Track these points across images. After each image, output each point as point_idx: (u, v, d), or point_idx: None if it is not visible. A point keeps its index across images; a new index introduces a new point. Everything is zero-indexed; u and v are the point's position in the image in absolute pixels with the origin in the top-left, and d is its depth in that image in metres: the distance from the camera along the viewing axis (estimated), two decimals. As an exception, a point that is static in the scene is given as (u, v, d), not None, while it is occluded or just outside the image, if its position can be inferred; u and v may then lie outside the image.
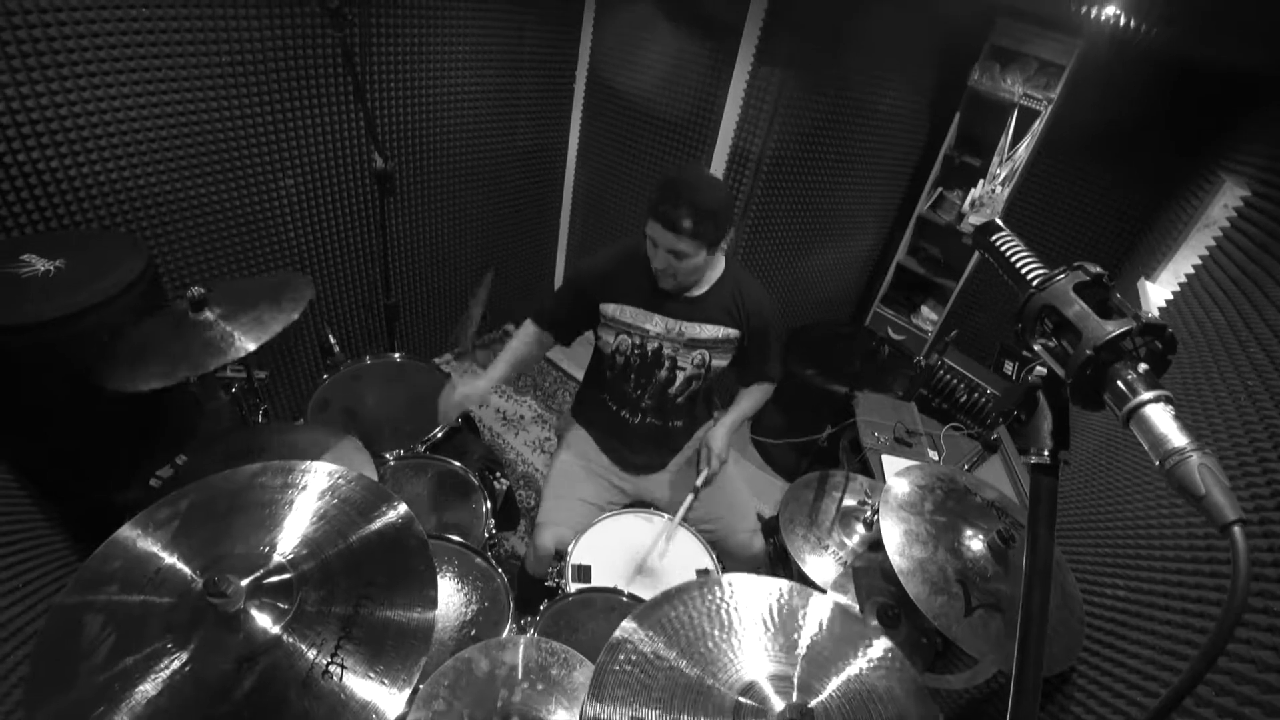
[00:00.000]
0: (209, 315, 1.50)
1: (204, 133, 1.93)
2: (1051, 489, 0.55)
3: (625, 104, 2.97)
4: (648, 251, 1.62)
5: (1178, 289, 1.80)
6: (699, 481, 1.77)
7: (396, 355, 2.11)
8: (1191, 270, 1.75)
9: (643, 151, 3.01)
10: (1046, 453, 0.56)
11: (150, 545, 0.96)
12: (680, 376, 1.77)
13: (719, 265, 1.73)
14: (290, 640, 0.89)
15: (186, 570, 0.94)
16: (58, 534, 1.59)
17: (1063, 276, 0.56)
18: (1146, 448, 0.48)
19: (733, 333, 1.73)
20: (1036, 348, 0.57)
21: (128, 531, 0.98)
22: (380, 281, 2.24)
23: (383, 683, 0.86)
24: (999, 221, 0.67)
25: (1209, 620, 1.02)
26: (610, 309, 1.73)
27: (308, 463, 1.10)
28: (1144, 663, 1.12)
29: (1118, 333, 0.51)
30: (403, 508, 1.07)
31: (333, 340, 2.10)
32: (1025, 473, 2.03)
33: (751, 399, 1.90)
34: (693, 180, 1.60)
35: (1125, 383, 0.50)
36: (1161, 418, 0.48)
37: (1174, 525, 1.26)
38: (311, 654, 0.88)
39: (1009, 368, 2.57)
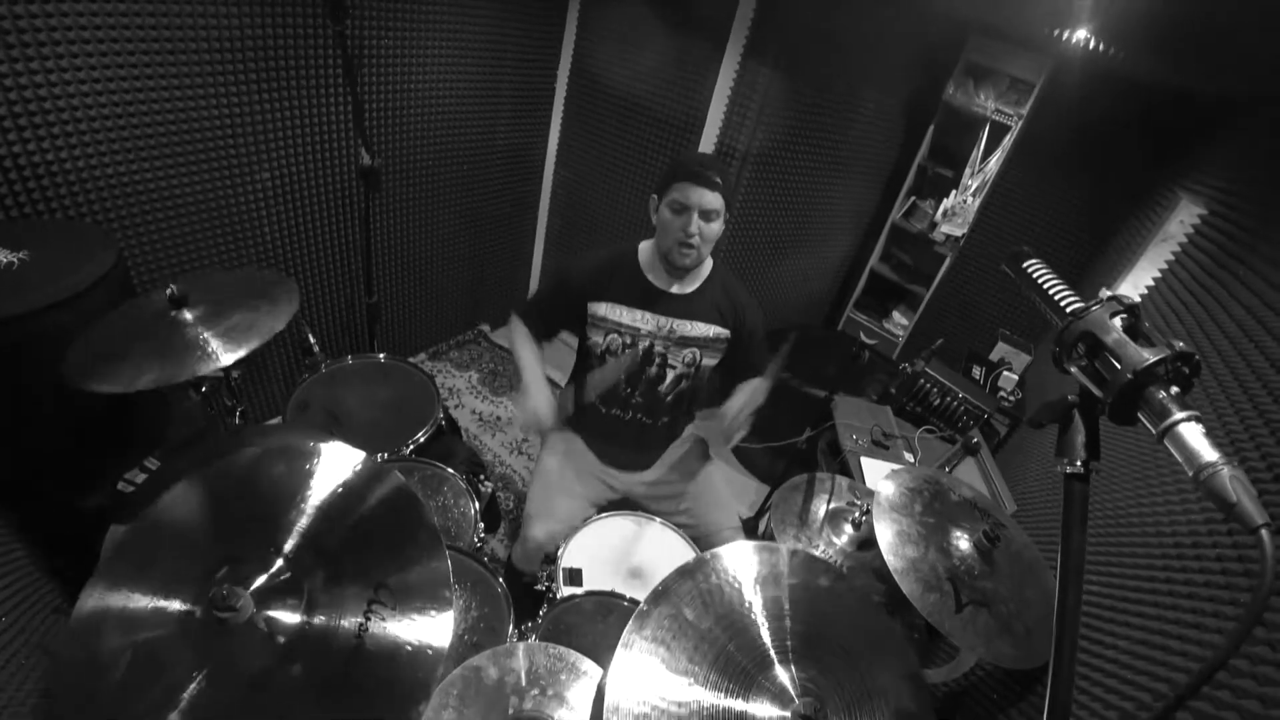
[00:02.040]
0: (188, 315, 1.45)
1: (179, 120, 1.85)
2: (1084, 494, 0.60)
3: (606, 105, 2.97)
4: (670, 225, 1.60)
5: (1138, 300, 1.91)
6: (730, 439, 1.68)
7: (381, 356, 2.07)
8: (1151, 282, 1.86)
9: (622, 152, 3.02)
10: (1080, 462, 0.60)
11: (153, 559, 0.93)
12: (670, 375, 1.79)
13: (708, 262, 1.76)
14: (318, 621, 0.90)
15: (193, 583, 0.91)
16: (17, 540, 1.52)
17: (1098, 306, 0.61)
18: (1181, 461, 0.53)
19: (723, 332, 1.76)
20: (1072, 370, 0.61)
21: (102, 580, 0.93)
22: (362, 280, 2.19)
23: (429, 615, 0.89)
24: (1028, 249, 0.71)
25: (1184, 612, 1.08)
26: (600, 308, 1.73)
27: (308, 442, 1.08)
28: (1120, 653, 1.19)
29: (1155, 360, 0.55)
30: (397, 477, 1.05)
31: (312, 340, 2.05)
32: (998, 476, 2.13)
33: (747, 393, 1.74)
34: (700, 152, 1.61)
35: (1159, 403, 0.55)
36: (1194, 435, 0.53)
37: (1142, 526, 1.34)
38: (345, 622, 0.89)
39: (977, 373, 2.67)
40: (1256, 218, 1.58)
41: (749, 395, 1.79)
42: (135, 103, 1.75)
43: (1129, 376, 0.56)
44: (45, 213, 1.69)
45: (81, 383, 1.28)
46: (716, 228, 1.61)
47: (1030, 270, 0.69)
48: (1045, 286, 0.67)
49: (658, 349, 1.75)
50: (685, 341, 1.74)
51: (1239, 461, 0.77)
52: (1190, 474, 0.52)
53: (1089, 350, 0.60)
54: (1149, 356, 0.56)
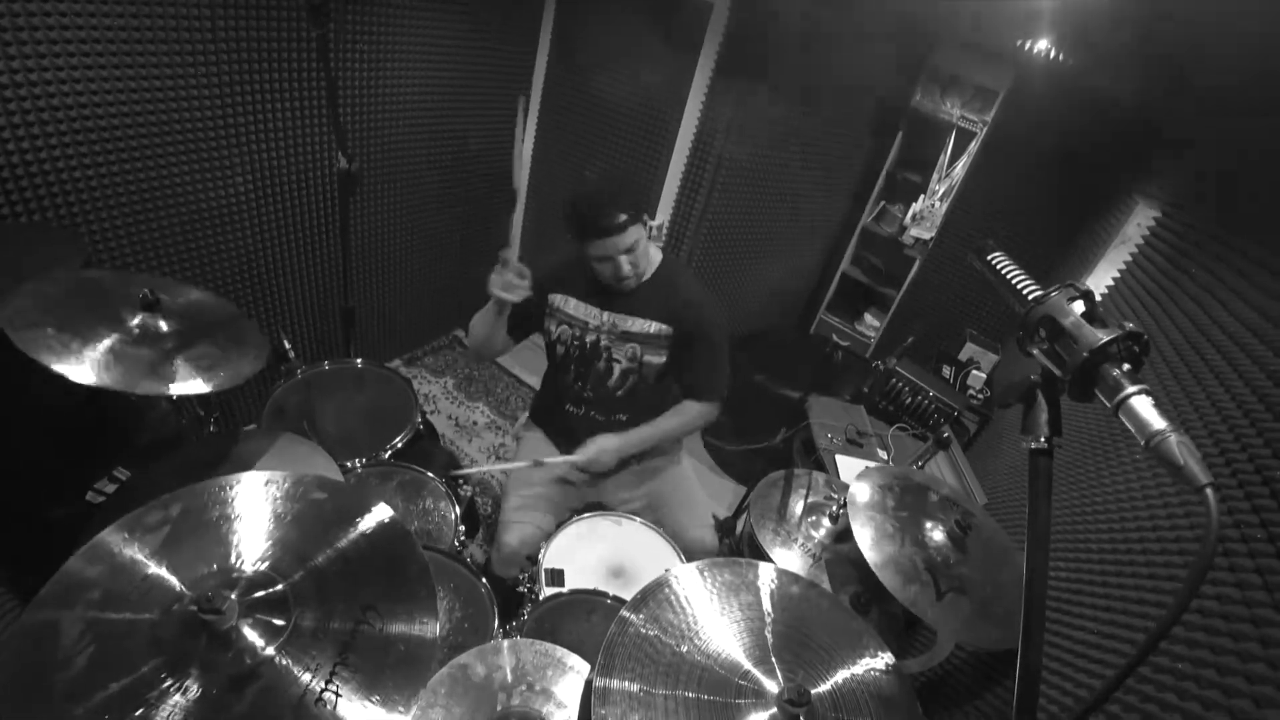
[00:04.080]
0: (162, 326, 1.41)
1: (151, 121, 1.82)
2: (1048, 469, 0.64)
3: (581, 112, 3.00)
4: (603, 272, 1.67)
5: (1099, 299, 1.99)
6: (549, 460, 1.82)
7: (358, 361, 2.06)
8: (1111, 283, 1.94)
9: (597, 159, 3.05)
10: (1044, 439, 0.64)
11: (136, 553, 0.91)
12: (616, 370, 1.81)
13: (654, 257, 1.77)
14: (284, 661, 0.85)
15: (175, 582, 0.90)
16: (-20, 551, 1.47)
17: (1056, 292, 0.65)
18: (1133, 430, 0.58)
19: (665, 328, 1.76)
20: (1034, 352, 0.65)
21: (112, 536, 0.92)
22: (340, 284, 2.18)
23: (387, 703, 0.83)
24: (992, 243, 0.75)
25: (1147, 592, 1.14)
26: (556, 299, 1.80)
27: (303, 472, 1.07)
28: (1087, 633, 1.24)
29: (1108, 339, 0.59)
30: (387, 511, 1.06)
31: (287, 345, 2.03)
32: (969, 470, 2.19)
33: (679, 419, 1.85)
34: (591, 187, 1.66)
35: (1113, 379, 0.59)
36: (1144, 406, 0.58)
37: (1106, 511, 1.40)
38: (306, 677, 0.84)
39: (946, 372, 2.74)
40: (1207, 219, 1.66)
41: (675, 423, 1.85)
42: (105, 104, 1.72)
43: (1085, 355, 0.60)
44: (10, 215, 1.65)
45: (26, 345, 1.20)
46: (643, 245, 1.65)
47: (994, 261, 0.73)
48: (1008, 276, 0.71)
49: (604, 343, 1.78)
50: (627, 336, 1.76)
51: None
52: (1142, 442, 0.56)
53: (1050, 334, 0.64)
54: (1103, 336, 0.60)
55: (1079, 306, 0.64)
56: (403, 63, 2.43)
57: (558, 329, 1.80)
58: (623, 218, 1.56)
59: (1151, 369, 1.46)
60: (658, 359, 1.79)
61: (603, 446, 1.78)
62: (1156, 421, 0.56)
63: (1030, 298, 0.67)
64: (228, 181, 2.09)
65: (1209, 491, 0.51)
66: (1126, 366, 0.60)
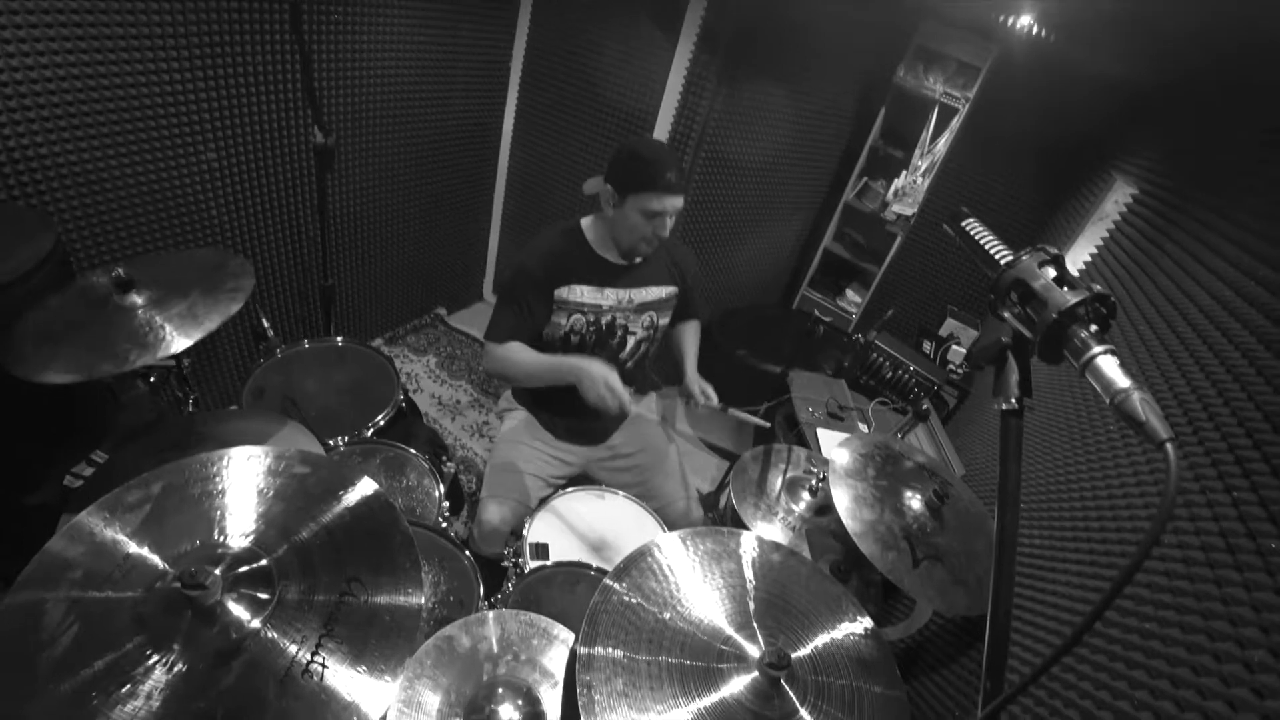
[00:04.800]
0: (136, 300, 1.39)
1: (119, 95, 1.77)
2: (1018, 429, 0.66)
3: (561, 86, 2.97)
4: (640, 228, 1.63)
5: (1077, 274, 2.02)
6: (705, 402, 1.83)
7: (338, 339, 2.04)
8: (1089, 258, 1.97)
9: (577, 134, 3.02)
10: (1014, 400, 0.66)
11: (117, 532, 0.91)
12: (631, 341, 1.83)
13: None
14: (270, 634, 0.85)
15: (157, 560, 0.90)
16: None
17: (1027, 256, 0.66)
18: (1099, 389, 0.59)
19: (673, 290, 1.85)
20: (1006, 315, 0.66)
21: (92, 516, 0.92)
22: (318, 262, 2.15)
23: (373, 673, 0.84)
24: (966, 210, 0.76)
25: (1116, 557, 1.17)
26: (563, 291, 1.73)
27: (288, 448, 1.07)
28: (1060, 597, 1.27)
29: (1076, 301, 0.61)
30: (371, 485, 1.06)
31: (266, 324, 2.00)
32: (947, 442, 2.23)
33: (693, 335, 2.01)
34: (654, 144, 1.65)
35: (1081, 340, 0.60)
36: (1110, 366, 0.60)
37: (1080, 481, 1.44)
38: (292, 649, 0.84)
39: (927, 347, 2.78)
40: (1182, 195, 1.68)
41: (693, 339, 2.00)
42: (71, 77, 1.66)
43: (1054, 316, 0.61)
44: (-27, 194, 1.61)
45: (29, 373, 1.22)
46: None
47: (967, 227, 0.74)
48: (981, 241, 0.72)
49: (619, 321, 1.78)
50: (643, 307, 1.80)
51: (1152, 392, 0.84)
52: (1107, 400, 0.58)
53: (1021, 297, 0.65)
54: (1071, 298, 0.61)
55: (1050, 271, 0.65)
56: (380, 33, 2.38)
57: (569, 320, 1.74)
58: (683, 181, 1.62)
59: (1125, 340, 1.49)
60: (666, 319, 1.88)
61: (702, 384, 1.85)
62: (1121, 380, 0.58)
63: (1002, 261, 0.69)
64: (199, 157, 2.04)
65: (1169, 446, 0.53)
66: (1094, 328, 0.61)
